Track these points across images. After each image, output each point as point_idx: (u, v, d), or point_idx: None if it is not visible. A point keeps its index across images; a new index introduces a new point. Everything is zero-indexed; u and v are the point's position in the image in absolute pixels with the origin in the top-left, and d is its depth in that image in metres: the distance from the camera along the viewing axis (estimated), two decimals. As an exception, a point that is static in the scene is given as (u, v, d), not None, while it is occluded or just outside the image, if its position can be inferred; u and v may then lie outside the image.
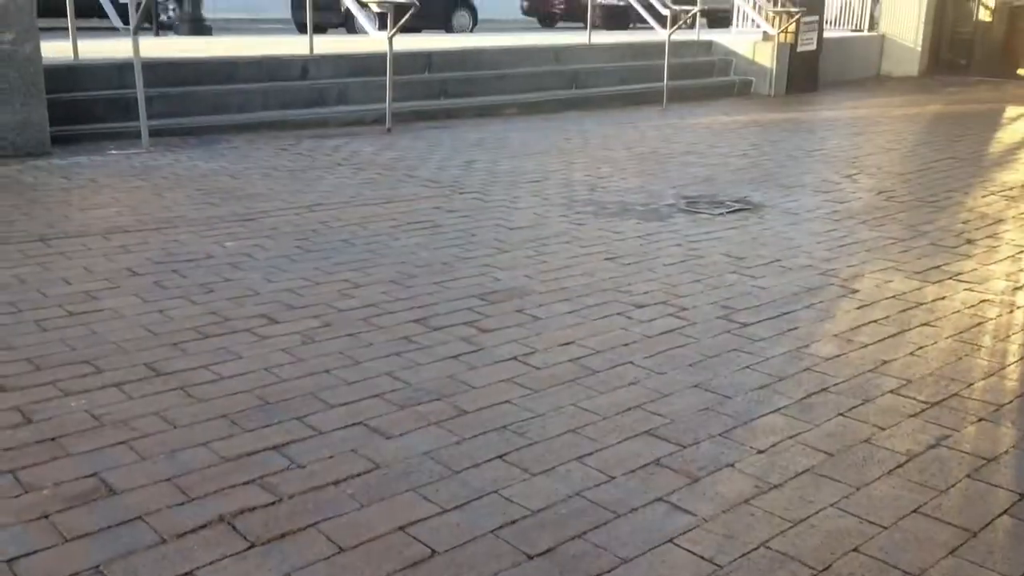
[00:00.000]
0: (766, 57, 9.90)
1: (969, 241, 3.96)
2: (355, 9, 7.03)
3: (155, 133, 5.81)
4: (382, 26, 6.89)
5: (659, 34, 9.11)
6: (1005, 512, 1.81)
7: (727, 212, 4.52)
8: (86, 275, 3.24)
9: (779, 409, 2.27)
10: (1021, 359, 2.62)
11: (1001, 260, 3.66)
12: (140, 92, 5.59)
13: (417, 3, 6.65)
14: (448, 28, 15.08)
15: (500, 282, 3.30)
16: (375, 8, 6.92)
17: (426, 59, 8.23)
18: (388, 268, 3.46)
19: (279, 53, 7.63)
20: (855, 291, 3.26)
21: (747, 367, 2.55)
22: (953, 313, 3.02)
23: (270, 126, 6.62)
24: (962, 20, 11.80)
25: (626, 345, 2.71)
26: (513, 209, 4.49)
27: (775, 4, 10.11)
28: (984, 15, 11.64)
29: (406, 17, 6.64)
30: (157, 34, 10.12)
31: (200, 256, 3.51)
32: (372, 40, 7.12)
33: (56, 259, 3.41)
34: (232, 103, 6.73)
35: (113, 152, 5.55)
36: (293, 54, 7.57)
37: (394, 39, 6.68)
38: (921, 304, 3.11)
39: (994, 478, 1.94)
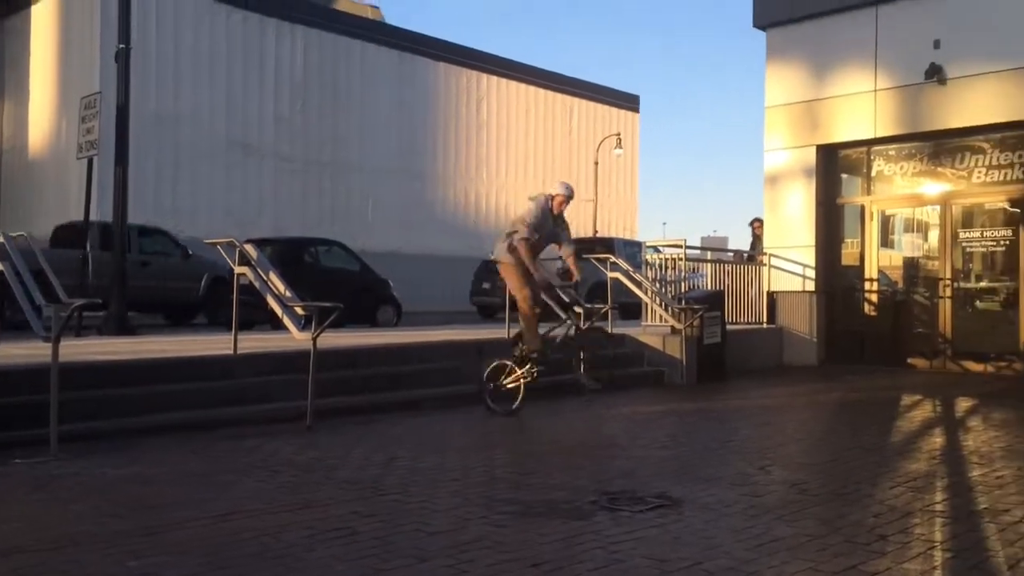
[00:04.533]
0: (676, 349, 10.45)
1: (881, 537, 4.03)
2: (280, 311, 7.27)
3: (67, 439, 5.66)
4: (307, 326, 7.11)
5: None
6: None
7: (647, 509, 4.53)
8: (-30, 606, 3.01)
9: None
10: (946, 669, 2.59)
11: (914, 557, 3.71)
12: (54, 399, 5.52)
13: (341, 306, 6.94)
14: (373, 323, 15.59)
15: (418, 598, 3.18)
16: (300, 311, 7.18)
17: (350, 355, 8.44)
18: (301, 585, 3.31)
19: (201, 353, 7.74)
20: (777, 596, 3.24)
21: None
22: (875, 618, 3.01)
23: (188, 427, 6.54)
24: (851, 314, 12.81)
25: (549, 668, 2.59)
26: (434, 511, 4.42)
27: (680, 302, 10.86)
28: (870, 310, 12.68)
29: (330, 320, 6.90)
30: (79, 335, 10.18)
31: (99, 578, 3.31)
32: (296, 338, 7.30)
33: (-61, 588, 3.18)
34: (150, 405, 6.68)
35: (18, 461, 5.36)
36: (215, 354, 7.68)
37: (319, 336, 6.87)
38: (842, 609, 3.09)
39: None
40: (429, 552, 3.75)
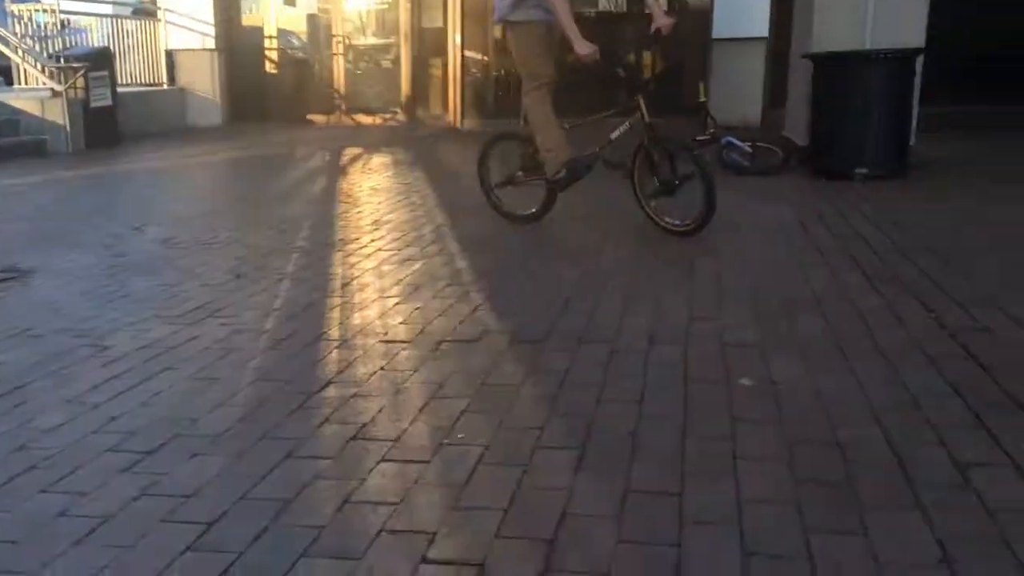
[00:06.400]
0: (57, 114, 9.27)
1: (238, 276, 4.09)
2: None
3: None
4: None
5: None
6: (190, 548, 1.79)
7: (-12, 285, 3.99)
8: None
9: (-28, 506, 1.96)
10: (252, 383, 2.72)
11: (262, 290, 3.84)
12: None
13: None
14: None
15: None
16: None
17: None
18: None
19: None
20: (107, 348, 3.08)
21: (-50, 464, 2.18)
22: (202, 351, 3.03)
23: None
24: (254, 73, 12.58)
25: None
26: None
27: (57, 60, 9.53)
28: (272, 68, 12.59)
29: None
30: None
31: None
32: None
33: None
34: None
35: None
36: None
37: None
38: (172, 348, 3.06)
39: (191, 515, 1.92)
40: None
